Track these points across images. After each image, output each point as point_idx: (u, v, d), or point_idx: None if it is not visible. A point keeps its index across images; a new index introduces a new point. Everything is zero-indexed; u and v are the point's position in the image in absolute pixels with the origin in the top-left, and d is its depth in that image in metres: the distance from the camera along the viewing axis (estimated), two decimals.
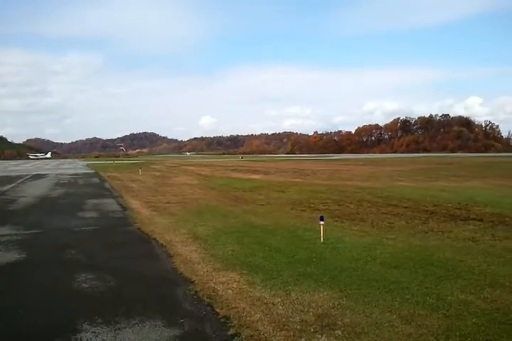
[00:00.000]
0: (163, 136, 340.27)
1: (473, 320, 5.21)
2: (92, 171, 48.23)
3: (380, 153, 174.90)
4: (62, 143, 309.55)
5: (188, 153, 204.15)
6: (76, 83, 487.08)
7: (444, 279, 6.78)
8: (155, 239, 10.43)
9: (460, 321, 5.20)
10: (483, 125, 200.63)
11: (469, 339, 4.73)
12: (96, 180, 34.17)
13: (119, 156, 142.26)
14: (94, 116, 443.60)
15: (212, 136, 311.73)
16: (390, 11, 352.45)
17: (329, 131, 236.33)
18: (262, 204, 16.32)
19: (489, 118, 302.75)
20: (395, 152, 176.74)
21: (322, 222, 9.69)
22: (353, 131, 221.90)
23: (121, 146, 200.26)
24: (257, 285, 6.67)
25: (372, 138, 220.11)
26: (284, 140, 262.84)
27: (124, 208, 16.32)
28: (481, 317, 5.30)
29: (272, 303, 5.90)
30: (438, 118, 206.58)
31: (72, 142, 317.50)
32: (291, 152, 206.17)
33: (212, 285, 6.74)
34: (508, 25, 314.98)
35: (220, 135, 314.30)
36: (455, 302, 5.77)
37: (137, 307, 5.90)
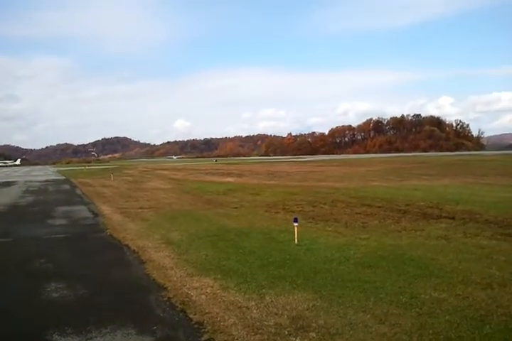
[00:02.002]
0: (135, 140, 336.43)
1: (446, 317, 5.25)
2: (63, 177, 47.48)
3: (354, 153, 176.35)
4: (32, 150, 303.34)
5: (174, 157, 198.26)
6: (45, 88, 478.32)
7: (417, 277, 6.82)
8: (127, 245, 10.28)
9: (433, 319, 5.23)
10: (454, 124, 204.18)
11: (442, 336, 4.76)
12: (66, 186, 33.64)
13: (90, 162, 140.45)
14: (64, 121, 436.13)
15: (185, 140, 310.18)
16: (363, 12, 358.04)
17: (303, 133, 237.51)
18: (236, 207, 16.25)
19: (460, 117, 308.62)
20: (368, 152, 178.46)
21: (296, 224, 9.68)
22: (326, 133, 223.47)
23: (92, 151, 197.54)
24: (231, 289, 6.61)
25: (346, 139, 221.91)
26: (258, 142, 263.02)
27: (96, 214, 16.07)
28: (454, 314, 5.34)
29: (246, 307, 5.85)
30: (410, 118, 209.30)
31: (42, 148, 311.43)
32: (266, 154, 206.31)
33: (186, 290, 6.66)
34: (478, 27, 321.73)
35: (194, 138, 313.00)
36: (428, 301, 5.81)
37: (108, 316, 5.78)
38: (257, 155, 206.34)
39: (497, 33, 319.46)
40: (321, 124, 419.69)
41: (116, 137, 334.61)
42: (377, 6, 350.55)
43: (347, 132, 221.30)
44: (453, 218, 12.37)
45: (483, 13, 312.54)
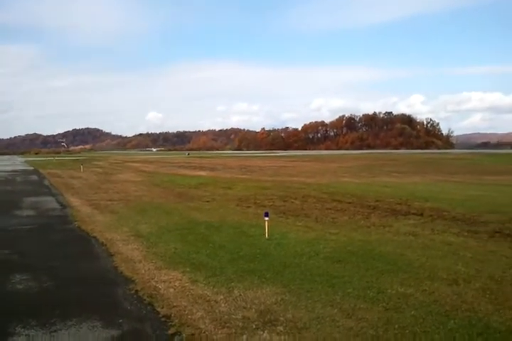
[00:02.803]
0: (106, 131, 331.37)
1: (412, 312, 5.31)
2: (31, 168, 46.48)
3: (326, 149, 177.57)
4: None
5: (153, 149, 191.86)
6: (13, 76, 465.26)
7: (385, 273, 6.89)
8: (95, 237, 10.12)
9: (399, 314, 5.28)
10: (425, 122, 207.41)
11: (407, 331, 4.81)
12: (35, 177, 32.93)
13: (60, 153, 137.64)
14: (34, 110, 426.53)
15: (158, 132, 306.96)
16: (338, 9, 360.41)
17: (276, 128, 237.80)
18: (208, 201, 16.18)
19: (430, 115, 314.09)
20: (340, 148, 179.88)
21: (267, 218, 9.67)
22: (299, 128, 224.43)
23: (62, 142, 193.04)
24: (199, 282, 6.56)
25: (319, 135, 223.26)
26: (232, 136, 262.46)
27: (64, 206, 15.80)
28: (419, 309, 5.41)
29: (215, 301, 5.82)
30: (382, 115, 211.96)
31: (10, 138, 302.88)
32: (239, 148, 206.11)
33: (154, 283, 6.58)
34: (451, 27, 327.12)
35: (167, 131, 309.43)
36: (395, 296, 5.87)
37: (74, 309, 5.67)
38: (230, 149, 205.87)
39: (469, 33, 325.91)
40: (295, 120, 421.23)
41: (87, 128, 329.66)
42: (353, 3, 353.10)
43: (320, 128, 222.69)
44: (421, 215, 12.56)
45: (456, 14, 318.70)
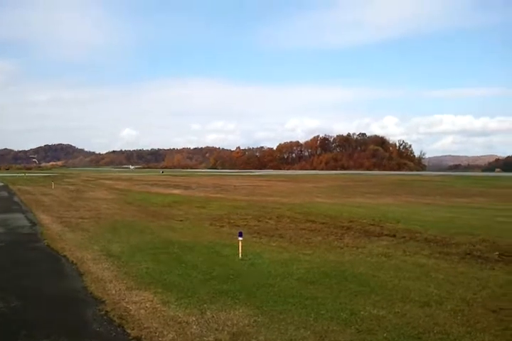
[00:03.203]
0: (79, 148, 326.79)
1: (384, 334, 5.30)
2: (1, 184, 45.52)
3: (301, 169, 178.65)
4: None
5: (131, 167, 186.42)
6: None
7: (358, 294, 6.89)
8: (65, 256, 9.91)
9: (372, 336, 5.26)
10: (397, 144, 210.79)
11: None
12: (4, 193, 32.29)
13: (31, 169, 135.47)
14: (5, 125, 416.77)
15: (132, 150, 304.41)
16: (314, 30, 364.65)
17: (251, 147, 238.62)
18: (181, 220, 16.04)
19: (403, 137, 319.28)
20: (314, 169, 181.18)
21: (241, 238, 9.62)
22: (274, 148, 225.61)
23: (34, 158, 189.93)
24: (171, 304, 6.45)
25: (293, 154, 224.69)
26: (207, 155, 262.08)
27: (34, 223, 15.48)
28: (392, 331, 5.40)
29: (186, 322, 5.71)
30: (355, 136, 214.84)
31: None
32: (214, 167, 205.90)
33: (124, 304, 6.45)
34: (423, 50, 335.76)
35: (141, 148, 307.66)
36: (367, 317, 5.86)
37: (41, 330, 5.51)
38: (205, 167, 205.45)
39: (442, 56, 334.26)
40: (270, 139, 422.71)
41: (60, 144, 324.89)
42: (328, 25, 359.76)
43: (294, 148, 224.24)
44: (394, 236, 12.65)
45: (429, 38, 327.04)
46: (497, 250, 10.56)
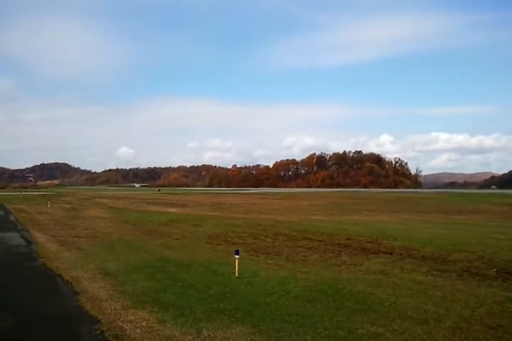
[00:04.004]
0: (75, 166, 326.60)
1: None
2: None
3: (297, 187, 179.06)
4: None
5: (137, 185, 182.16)
6: None
7: (356, 312, 6.85)
8: (60, 275, 9.83)
9: None
10: (393, 162, 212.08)
11: None
12: (0, 212, 32.09)
13: (27, 187, 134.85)
14: (2, 144, 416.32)
15: (128, 168, 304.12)
16: (310, 49, 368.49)
17: (248, 165, 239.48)
18: (178, 238, 15.97)
19: (399, 155, 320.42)
20: (310, 186, 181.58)
21: (237, 256, 9.58)
22: (271, 165, 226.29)
23: (30, 177, 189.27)
24: (167, 323, 6.39)
25: (290, 172, 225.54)
26: (203, 173, 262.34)
27: (29, 242, 15.37)
28: None
29: None
30: (351, 154, 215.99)
31: None
32: (210, 185, 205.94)
33: (120, 323, 6.38)
34: (420, 69, 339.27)
35: (137, 167, 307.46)
36: (365, 335, 5.82)
37: None
38: (201, 186, 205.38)
39: (437, 75, 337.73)
40: (267, 157, 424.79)
41: (56, 163, 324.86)
42: (324, 44, 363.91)
43: (291, 166, 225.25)
44: (391, 253, 12.62)
45: (425, 57, 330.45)
46: (494, 267, 10.54)
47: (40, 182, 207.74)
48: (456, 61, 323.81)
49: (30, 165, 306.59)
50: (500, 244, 14.36)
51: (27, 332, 6.22)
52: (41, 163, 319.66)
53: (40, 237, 16.57)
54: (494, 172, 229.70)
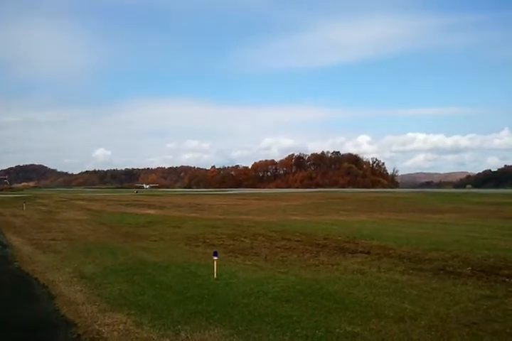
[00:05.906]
0: (52, 168, 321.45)
1: None
2: None
3: (276, 187, 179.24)
4: None
5: (146, 186, 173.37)
6: None
7: (333, 311, 6.90)
8: (36, 278, 9.70)
9: None
10: (371, 162, 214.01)
11: None
12: None
13: (2, 190, 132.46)
14: None
15: (105, 169, 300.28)
16: (288, 51, 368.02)
17: (227, 166, 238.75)
18: (156, 240, 15.87)
19: (376, 155, 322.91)
20: (289, 187, 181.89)
21: (216, 258, 9.56)
22: (249, 166, 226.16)
23: (5, 179, 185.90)
24: (144, 325, 6.35)
25: (268, 173, 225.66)
26: (182, 174, 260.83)
27: (4, 245, 15.16)
28: None
29: None
30: (330, 155, 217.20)
31: None
32: (189, 186, 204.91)
33: (97, 327, 6.32)
34: (396, 70, 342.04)
35: (115, 168, 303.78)
36: (342, 335, 5.86)
37: None
38: (179, 187, 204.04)
39: (413, 77, 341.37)
40: (245, 158, 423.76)
41: (32, 165, 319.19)
42: (301, 46, 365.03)
43: (270, 167, 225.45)
44: (368, 253, 12.74)
45: (401, 58, 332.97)
46: (469, 265, 10.73)
47: (15, 185, 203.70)
48: (433, 62, 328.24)
49: (5, 167, 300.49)
50: (476, 243, 14.61)
51: (3, 335, 6.13)
52: (17, 165, 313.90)
53: (15, 240, 16.32)
54: (469, 171, 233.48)
